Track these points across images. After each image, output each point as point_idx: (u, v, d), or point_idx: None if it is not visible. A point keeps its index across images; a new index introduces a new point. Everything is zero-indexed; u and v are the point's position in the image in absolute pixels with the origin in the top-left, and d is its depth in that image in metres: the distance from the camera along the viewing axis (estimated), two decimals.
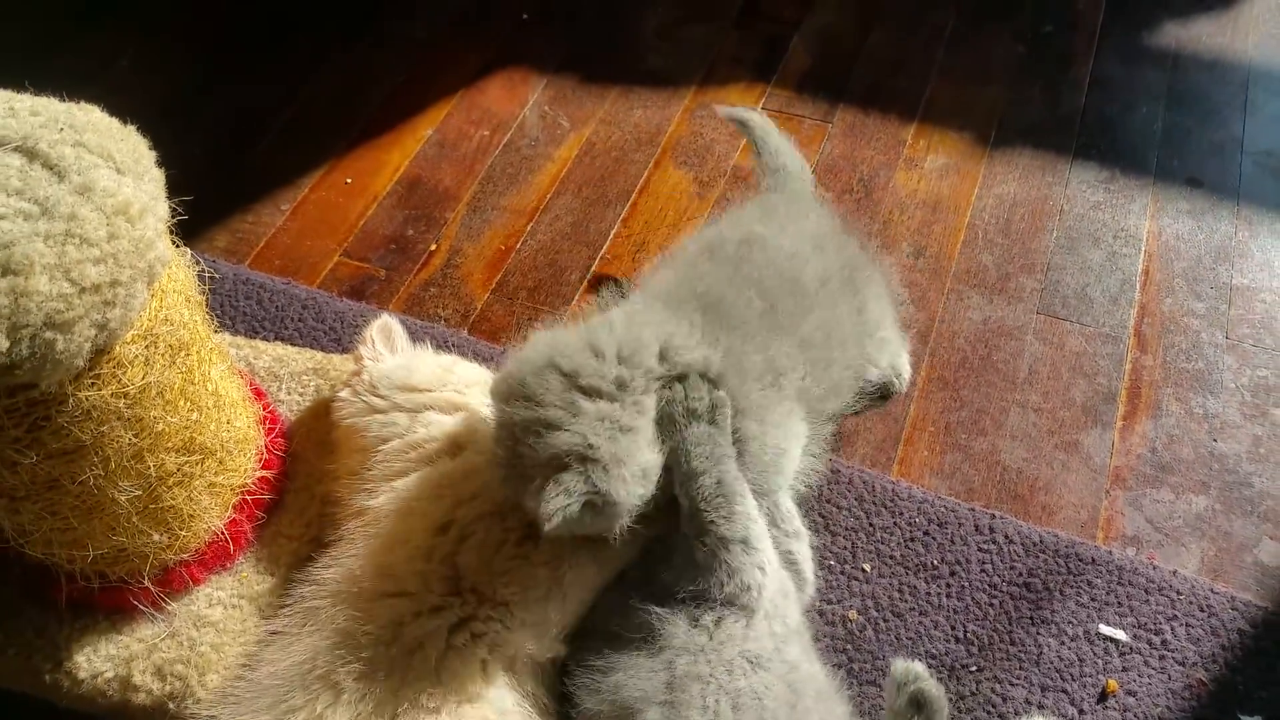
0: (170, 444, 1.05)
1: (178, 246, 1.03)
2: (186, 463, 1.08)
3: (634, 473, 1.00)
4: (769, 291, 1.14)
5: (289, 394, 1.36)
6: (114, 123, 0.99)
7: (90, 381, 0.93)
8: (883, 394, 1.43)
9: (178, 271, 1.03)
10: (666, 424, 1.05)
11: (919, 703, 1.01)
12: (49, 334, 0.84)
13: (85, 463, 0.98)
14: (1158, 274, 1.58)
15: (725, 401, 1.06)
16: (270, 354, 1.40)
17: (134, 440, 1.00)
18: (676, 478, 1.04)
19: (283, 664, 1.02)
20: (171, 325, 1.00)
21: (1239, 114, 1.80)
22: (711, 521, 1.01)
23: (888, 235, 1.65)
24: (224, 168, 1.75)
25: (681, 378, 1.06)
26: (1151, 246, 1.62)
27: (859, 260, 1.29)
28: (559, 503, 0.96)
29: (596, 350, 1.05)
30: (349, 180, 1.75)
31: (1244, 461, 1.39)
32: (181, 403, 1.05)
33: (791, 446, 1.14)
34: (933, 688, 1.03)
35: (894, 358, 1.41)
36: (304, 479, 1.28)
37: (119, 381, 0.95)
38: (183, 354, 1.04)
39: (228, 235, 1.65)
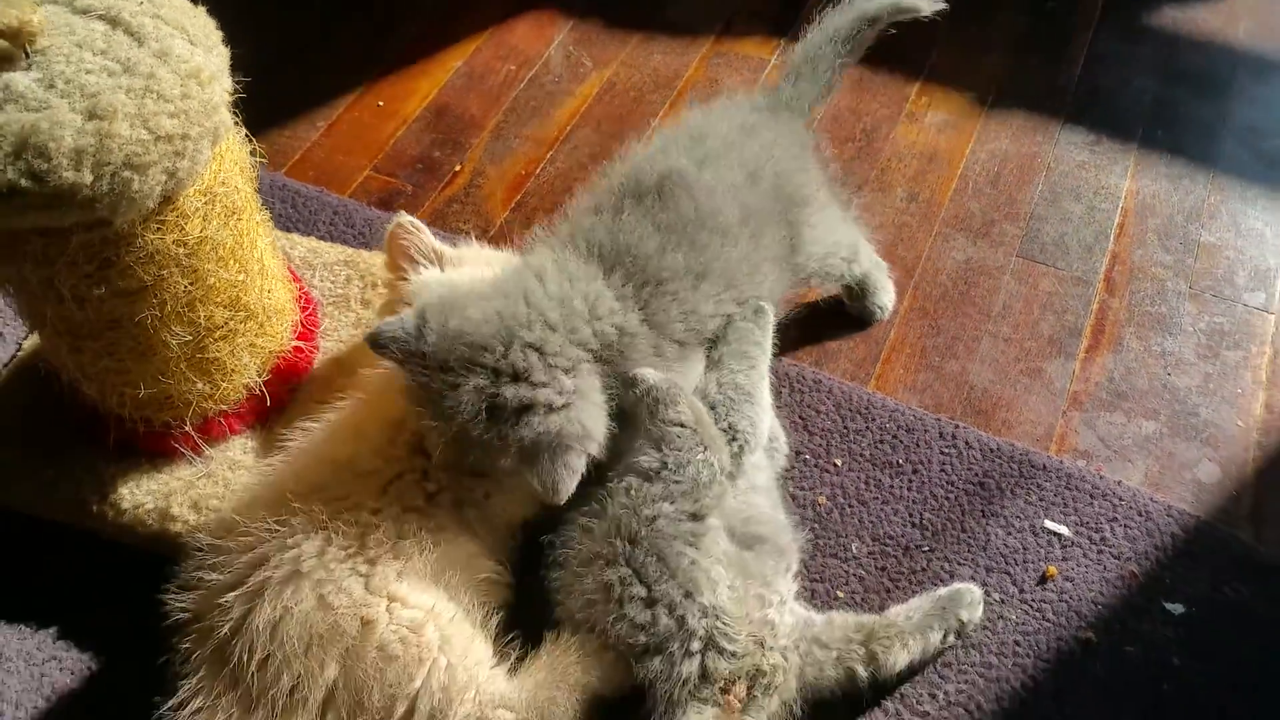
0: (219, 298, 1.18)
1: (236, 124, 1.16)
2: (232, 318, 1.21)
3: (605, 436, 1.14)
4: (686, 237, 1.23)
5: (321, 281, 1.49)
6: (186, 2, 1.12)
7: (156, 226, 1.06)
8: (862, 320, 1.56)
9: (235, 143, 1.16)
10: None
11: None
12: (127, 173, 0.98)
13: (144, 304, 1.11)
14: (1132, 228, 1.70)
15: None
16: (305, 245, 1.53)
17: (188, 288, 1.13)
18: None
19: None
20: (228, 189, 1.13)
21: (1226, 93, 1.90)
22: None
23: (884, 181, 1.77)
24: (264, 87, 1.87)
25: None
26: (1129, 204, 1.73)
27: (801, 190, 1.36)
28: (570, 484, 1.09)
29: (549, 322, 1.13)
30: (381, 104, 1.88)
31: (1194, 394, 1.50)
32: (231, 262, 1.18)
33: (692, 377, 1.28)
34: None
35: (876, 286, 1.53)
36: (334, 353, 1.41)
37: (180, 230, 1.08)
38: (235, 218, 1.17)
39: (265, 147, 1.77)
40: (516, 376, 1.09)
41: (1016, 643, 1.27)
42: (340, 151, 1.80)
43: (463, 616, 1.10)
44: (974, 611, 1.25)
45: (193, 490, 1.27)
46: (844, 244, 1.45)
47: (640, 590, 1.11)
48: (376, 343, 1.09)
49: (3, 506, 1.31)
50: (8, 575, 1.31)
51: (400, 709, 1.03)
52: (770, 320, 1.31)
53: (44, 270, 1.04)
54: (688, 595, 1.11)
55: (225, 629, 1.05)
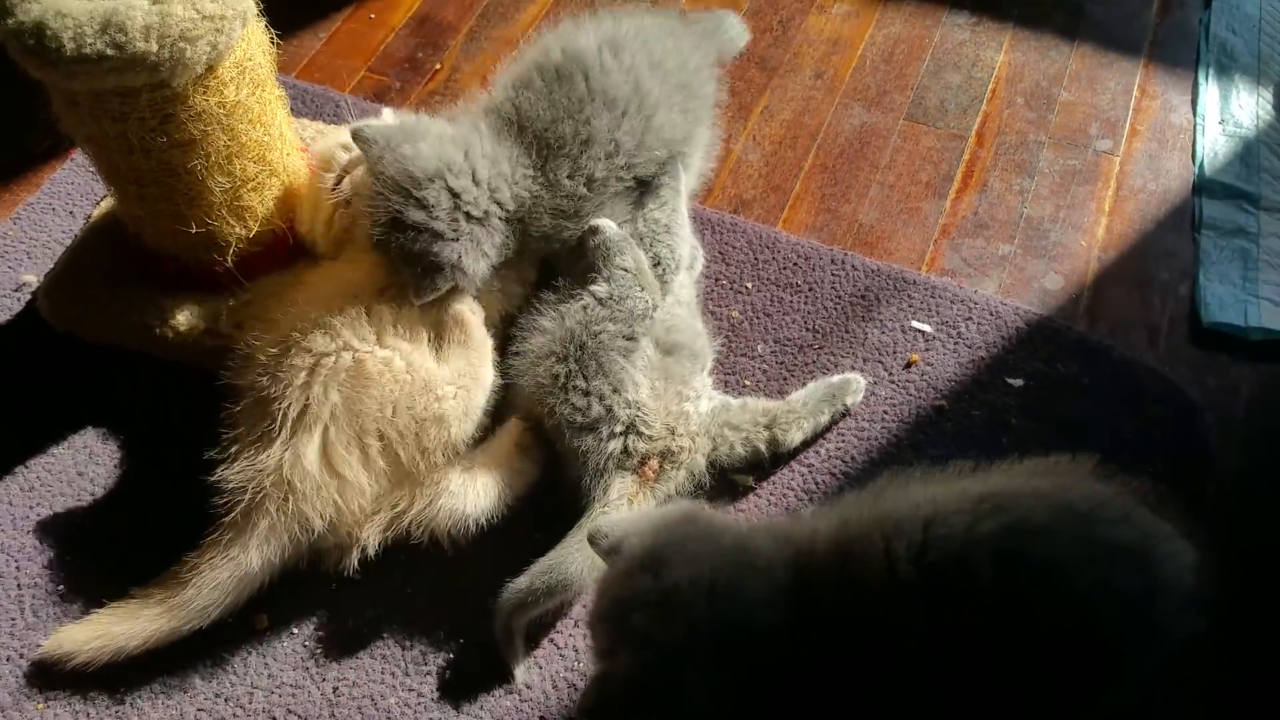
0: (250, 155, 1.51)
1: (259, 16, 1.48)
2: (260, 172, 1.55)
3: (482, 276, 1.48)
4: (577, 109, 1.51)
5: None
6: None
7: (202, 90, 1.39)
8: None
9: (258, 29, 1.49)
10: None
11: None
12: (182, 44, 1.31)
13: (194, 155, 1.44)
14: (1003, 92, 2.02)
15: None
16: (313, 128, 1.86)
17: (227, 144, 1.47)
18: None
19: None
20: (254, 64, 1.46)
21: None
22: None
23: (797, 63, 2.09)
24: (275, 5, 2.20)
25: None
26: (1001, 73, 2.05)
27: (705, 93, 1.66)
28: (430, 295, 1.44)
29: (475, 176, 1.46)
30: (372, 16, 2.20)
31: (1046, 222, 1.83)
32: (258, 125, 1.51)
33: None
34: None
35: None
36: None
37: (220, 94, 1.42)
38: (260, 89, 1.50)
39: (277, 54, 2.10)
40: (424, 205, 1.43)
41: (885, 412, 1.61)
42: (339, 56, 2.13)
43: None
44: (857, 397, 1.60)
45: (235, 314, 1.60)
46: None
47: (581, 383, 1.44)
48: (356, 136, 1.46)
49: (89, 336, 1.65)
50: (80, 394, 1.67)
51: (388, 411, 1.39)
52: (679, 168, 1.63)
53: (120, 125, 1.38)
54: (615, 391, 1.44)
55: (262, 384, 1.40)
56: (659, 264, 1.58)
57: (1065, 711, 1.08)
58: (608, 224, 1.53)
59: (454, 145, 1.47)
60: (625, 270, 1.50)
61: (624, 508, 1.43)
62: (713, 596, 1.05)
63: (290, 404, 1.38)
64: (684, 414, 1.49)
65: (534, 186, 1.50)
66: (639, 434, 1.45)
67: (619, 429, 1.44)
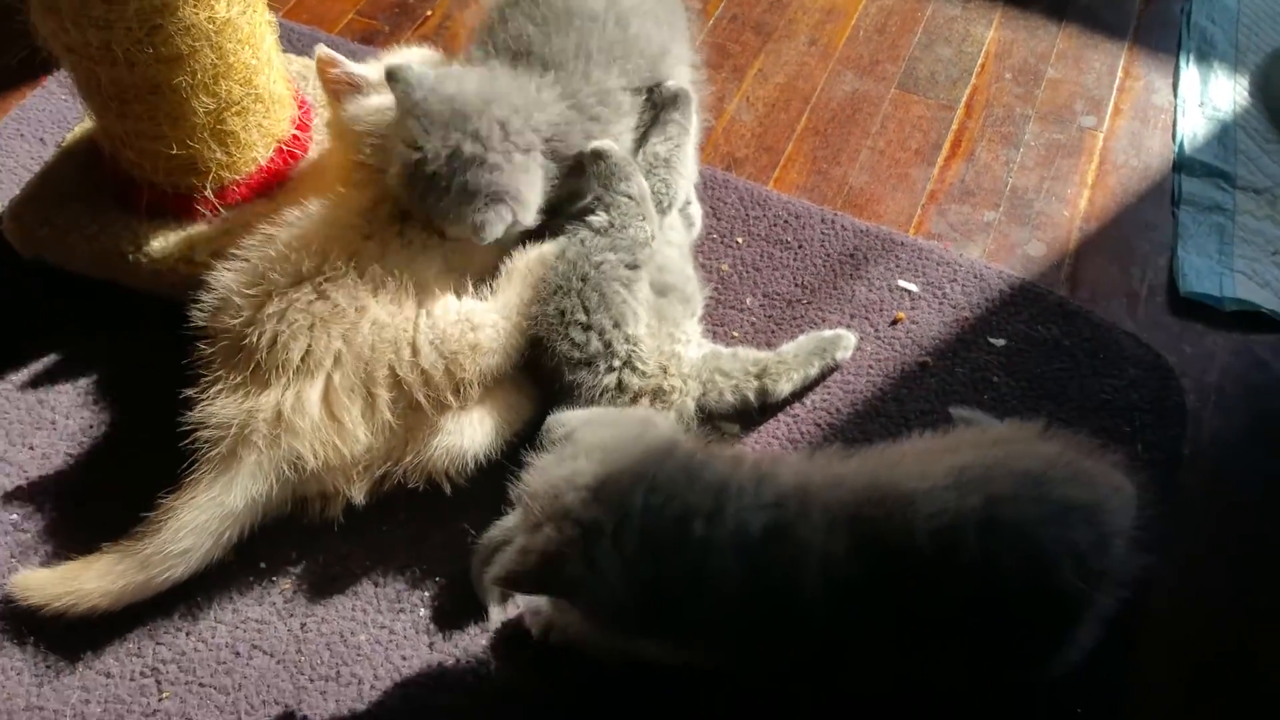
0: (237, 76, 1.48)
1: None
2: (245, 96, 1.51)
3: (536, 208, 1.44)
4: (560, 25, 1.49)
5: (314, 90, 1.77)
6: None
7: (193, 3, 1.36)
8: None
9: None
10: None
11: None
12: None
13: (180, 71, 1.40)
14: (991, 67, 2.04)
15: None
16: (300, 63, 1.82)
17: (214, 62, 1.43)
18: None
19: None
20: None
21: None
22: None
23: (791, 29, 2.09)
24: None
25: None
26: (991, 49, 2.07)
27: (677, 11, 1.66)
28: (496, 229, 1.39)
29: (514, 105, 1.42)
30: None
31: (1030, 192, 1.85)
32: (247, 46, 1.47)
33: None
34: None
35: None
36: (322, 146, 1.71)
37: (210, 9, 1.38)
38: (251, 10, 1.46)
39: None
40: (478, 138, 1.39)
41: (870, 366, 1.61)
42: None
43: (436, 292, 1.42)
44: (847, 353, 1.59)
45: (212, 243, 1.56)
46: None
47: (582, 317, 1.42)
48: (392, 76, 1.39)
49: (56, 262, 1.60)
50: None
51: (405, 353, 1.34)
52: (691, 100, 1.60)
53: (104, 34, 1.33)
54: (615, 325, 1.43)
55: (237, 323, 1.34)
56: (654, 197, 1.56)
57: (1037, 664, 1.13)
58: (611, 145, 1.48)
59: (484, 80, 1.44)
60: (628, 197, 1.46)
61: None
62: (652, 492, 1.04)
63: (279, 349, 1.32)
64: (675, 355, 1.48)
65: (561, 108, 1.47)
66: (634, 369, 1.43)
67: (616, 363, 1.43)
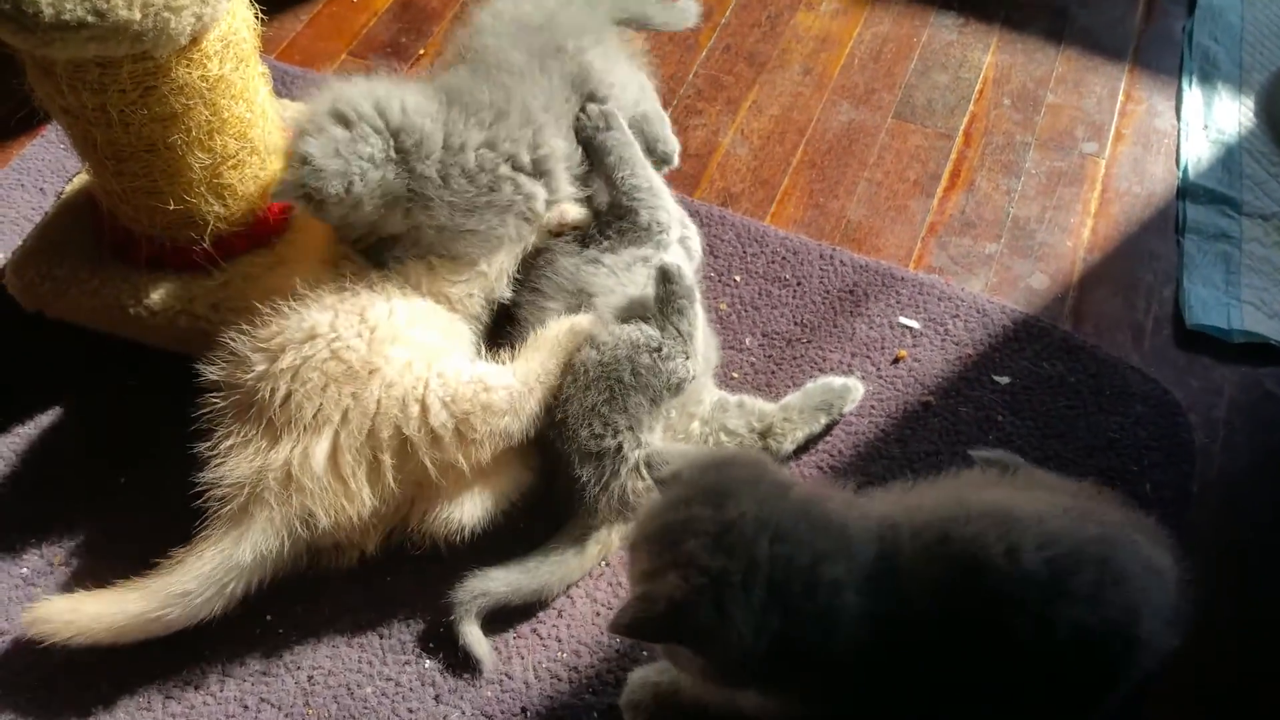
0: (232, 131, 1.48)
1: None
2: (241, 149, 1.51)
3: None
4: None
5: None
6: None
7: (186, 63, 1.36)
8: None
9: (244, 3, 1.45)
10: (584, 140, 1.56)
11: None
12: (166, 14, 1.27)
13: (175, 129, 1.41)
14: (989, 93, 2.03)
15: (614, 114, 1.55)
16: (294, 109, 1.81)
17: (209, 119, 1.43)
18: (596, 168, 1.55)
19: None
20: (238, 38, 1.43)
21: None
22: (627, 181, 1.54)
23: (785, 59, 2.08)
24: None
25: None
26: (988, 74, 2.06)
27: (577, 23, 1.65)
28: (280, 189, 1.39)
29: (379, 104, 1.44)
30: None
31: (1032, 223, 1.84)
32: (241, 101, 1.47)
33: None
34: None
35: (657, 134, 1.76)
36: None
37: (204, 68, 1.38)
38: (243, 65, 1.46)
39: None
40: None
41: (872, 407, 1.60)
42: (320, 39, 2.09)
43: (446, 350, 1.42)
44: (853, 405, 1.58)
45: (212, 295, 1.56)
46: (631, 83, 1.71)
47: (605, 411, 1.40)
48: None
49: (58, 315, 1.61)
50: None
51: (414, 410, 1.33)
52: (618, 115, 1.60)
53: (99, 97, 1.33)
54: (630, 429, 1.41)
55: (249, 378, 1.35)
56: (658, 226, 1.56)
57: (1095, 705, 1.14)
58: (681, 270, 1.46)
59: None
60: (679, 332, 1.44)
61: (602, 534, 1.43)
62: (776, 541, 1.03)
63: (293, 406, 1.33)
64: (688, 433, 1.48)
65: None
66: (639, 475, 1.42)
67: (623, 469, 1.41)
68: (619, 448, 1.41)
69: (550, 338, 1.45)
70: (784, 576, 1.02)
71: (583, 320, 1.46)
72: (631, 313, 1.47)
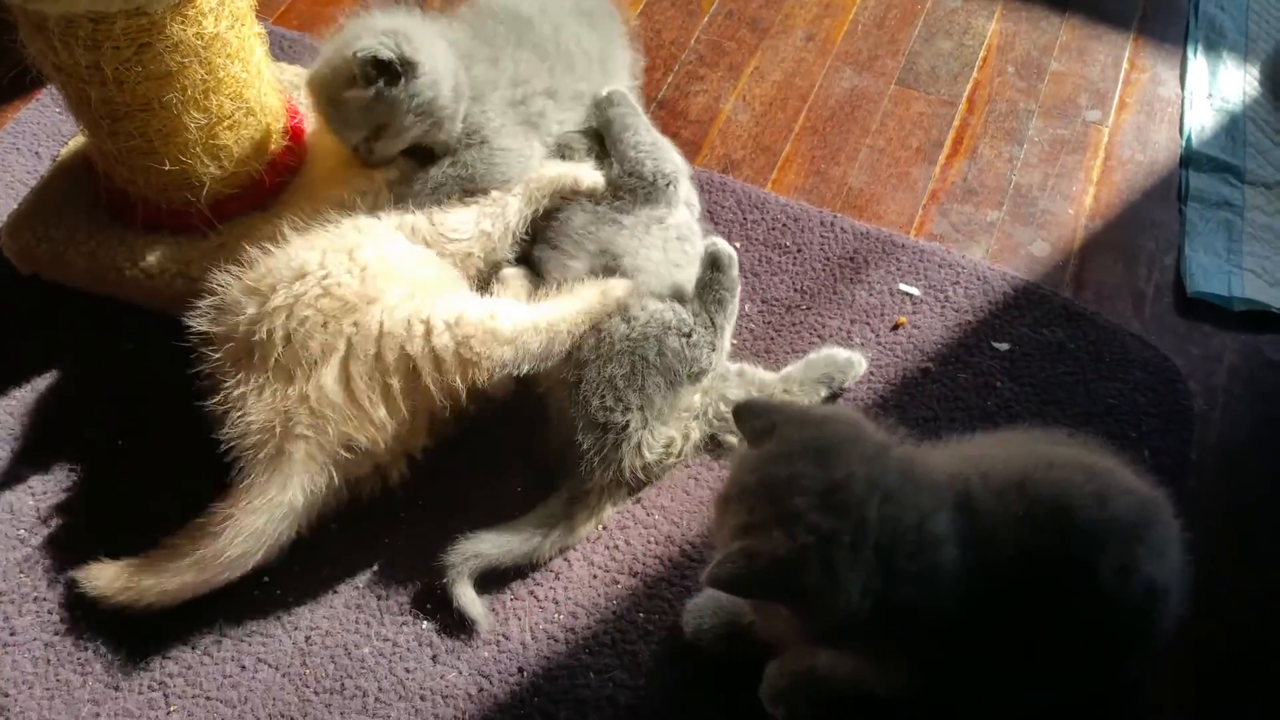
0: (228, 91, 1.47)
1: None
2: (237, 110, 1.50)
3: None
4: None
5: (305, 99, 1.76)
6: None
7: (180, 19, 1.34)
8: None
9: None
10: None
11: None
12: None
13: (170, 88, 1.39)
14: (993, 61, 2.01)
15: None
16: (291, 71, 1.80)
17: (204, 78, 1.42)
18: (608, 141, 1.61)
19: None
20: None
21: None
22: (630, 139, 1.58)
23: (788, 24, 2.06)
24: None
25: None
26: (992, 41, 2.04)
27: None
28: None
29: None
30: None
31: (1033, 190, 1.83)
32: (236, 61, 1.46)
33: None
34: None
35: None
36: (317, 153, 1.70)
37: (199, 25, 1.37)
38: (239, 24, 1.45)
39: None
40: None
41: (871, 373, 1.60)
42: (319, 3, 2.07)
43: (445, 284, 1.44)
44: (855, 377, 1.57)
45: (208, 257, 1.55)
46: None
47: (621, 385, 1.40)
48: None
49: (54, 277, 1.60)
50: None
51: (419, 329, 1.34)
52: (626, 93, 1.65)
53: (93, 54, 1.32)
54: (640, 409, 1.41)
55: (242, 322, 1.35)
56: (665, 178, 1.57)
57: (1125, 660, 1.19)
58: (733, 257, 1.49)
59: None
60: (711, 325, 1.46)
61: (591, 500, 1.43)
62: (885, 501, 1.02)
63: (297, 344, 1.33)
64: (690, 407, 1.48)
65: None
66: (639, 454, 1.43)
67: (625, 445, 1.41)
68: (625, 425, 1.40)
69: (584, 292, 1.45)
70: (891, 537, 1.01)
71: (619, 287, 1.46)
72: (664, 292, 1.47)
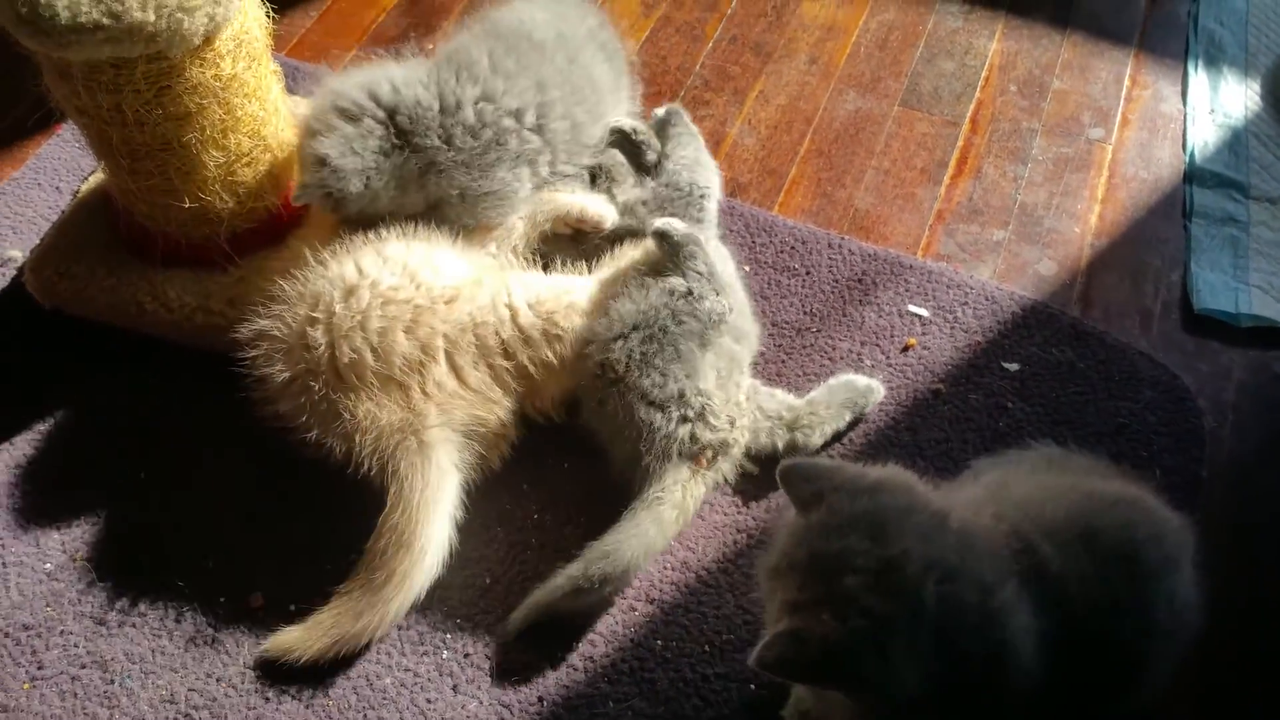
0: (245, 129, 1.49)
1: None
2: (255, 148, 1.52)
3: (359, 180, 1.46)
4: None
5: None
6: None
7: (199, 62, 1.37)
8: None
9: (256, 2, 1.47)
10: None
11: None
12: (179, 14, 1.29)
13: (190, 128, 1.42)
14: (995, 80, 2.03)
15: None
16: (304, 105, 1.83)
17: (222, 118, 1.45)
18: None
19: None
20: (250, 38, 1.44)
21: None
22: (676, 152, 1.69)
23: (791, 48, 2.09)
24: None
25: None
26: (994, 61, 2.06)
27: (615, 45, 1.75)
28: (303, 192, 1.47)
29: (371, 91, 1.49)
30: None
31: (1039, 209, 1.84)
32: (254, 99, 1.49)
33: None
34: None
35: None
36: None
37: (217, 67, 1.40)
38: (256, 64, 1.48)
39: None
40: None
41: (883, 396, 1.61)
42: (331, 35, 2.11)
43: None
44: (874, 404, 1.57)
45: (228, 291, 1.58)
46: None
47: (659, 363, 1.41)
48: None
49: (76, 312, 1.63)
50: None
51: (504, 312, 1.45)
52: (682, 113, 1.71)
53: (114, 97, 1.35)
54: (689, 377, 1.42)
55: (324, 355, 1.39)
56: (699, 190, 1.63)
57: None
58: (672, 225, 1.49)
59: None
60: (698, 273, 1.46)
61: (675, 494, 1.42)
62: (944, 580, 0.97)
63: (386, 356, 1.40)
64: (739, 404, 1.48)
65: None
66: (706, 423, 1.43)
67: (690, 414, 1.42)
68: (681, 394, 1.42)
69: (626, 258, 1.55)
70: (952, 617, 0.97)
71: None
72: (655, 267, 1.50)
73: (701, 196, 1.62)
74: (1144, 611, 1.08)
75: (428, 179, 1.52)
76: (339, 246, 1.49)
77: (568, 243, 1.63)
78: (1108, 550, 1.07)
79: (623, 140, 1.69)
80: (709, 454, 1.45)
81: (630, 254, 1.56)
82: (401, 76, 1.52)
